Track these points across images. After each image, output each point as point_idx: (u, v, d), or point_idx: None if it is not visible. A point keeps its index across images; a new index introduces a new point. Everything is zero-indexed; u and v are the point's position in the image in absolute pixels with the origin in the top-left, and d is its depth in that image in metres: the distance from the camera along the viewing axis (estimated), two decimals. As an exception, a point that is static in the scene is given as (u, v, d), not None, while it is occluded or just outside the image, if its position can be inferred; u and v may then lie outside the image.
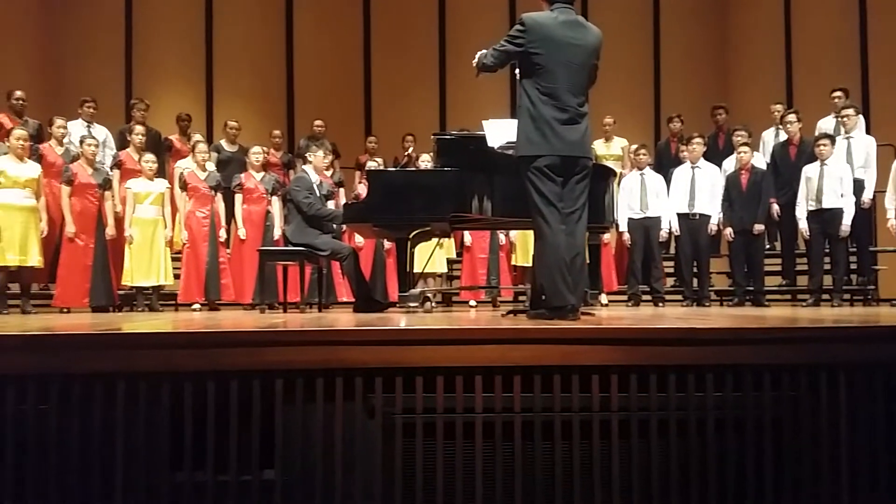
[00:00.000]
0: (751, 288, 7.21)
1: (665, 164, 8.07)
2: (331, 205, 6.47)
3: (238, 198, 7.05)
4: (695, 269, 7.38)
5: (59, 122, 7.03)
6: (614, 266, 7.65)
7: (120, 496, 2.69)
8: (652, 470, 2.74)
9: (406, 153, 8.48)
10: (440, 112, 10.75)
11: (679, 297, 7.53)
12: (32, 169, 6.23)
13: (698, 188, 7.27)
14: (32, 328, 3.25)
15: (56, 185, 6.55)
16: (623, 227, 7.42)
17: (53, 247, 6.52)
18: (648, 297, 7.44)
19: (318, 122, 8.75)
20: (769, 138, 8.00)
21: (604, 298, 7.40)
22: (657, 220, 7.35)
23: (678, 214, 7.31)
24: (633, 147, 7.79)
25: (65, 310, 6.43)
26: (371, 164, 7.39)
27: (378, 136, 9.13)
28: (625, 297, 7.52)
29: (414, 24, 10.71)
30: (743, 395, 2.76)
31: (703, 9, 10.77)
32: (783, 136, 7.57)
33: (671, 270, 7.89)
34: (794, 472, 2.77)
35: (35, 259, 6.14)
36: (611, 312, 5.38)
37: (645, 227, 7.35)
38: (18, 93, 7.34)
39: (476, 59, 3.80)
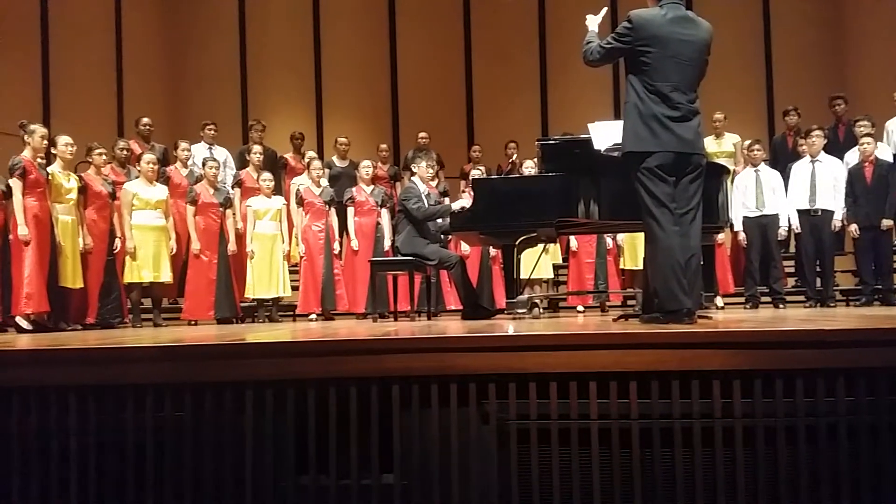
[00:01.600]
0: (879, 286, 6.80)
1: (781, 159, 7.74)
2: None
3: (350, 211, 7.28)
4: (818, 268, 7.03)
5: (183, 145, 7.49)
6: (730, 267, 7.38)
7: (250, 498, 2.82)
8: (779, 478, 2.63)
9: (510, 160, 8.52)
10: (542, 118, 10.72)
11: (801, 298, 7.18)
12: (161, 191, 6.66)
13: (819, 183, 6.93)
14: (165, 340, 3.48)
15: (182, 205, 6.95)
16: (738, 226, 7.15)
17: (181, 263, 6.93)
18: (767, 299, 7.13)
19: (422, 134, 8.92)
20: (894, 128, 7.51)
21: (719, 301, 7.14)
22: (775, 217, 7.05)
23: (798, 211, 6.99)
24: (747, 143, 7.50)
25: (192, 322, 6.82)
26: (475, 173, 7.45)
27: (481, 145, 9.21)
28: (742, 300, 7.23)
29: (514, 32, 10.74)
30: (877, 400, 2.61)
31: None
32: (910, 125, 7.09)
33: (791, 270, 7.53)
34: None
35: (166, 275, 6.55)
36: (728, 315, 5.19)
37: (762, 226, 7.06)
38: (145, 119, 7.89)
39: (584, 48, 3.76)
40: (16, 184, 5.59)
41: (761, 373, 2.64)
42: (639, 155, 3.52)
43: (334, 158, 8.39)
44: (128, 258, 6.40)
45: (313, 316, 7.10)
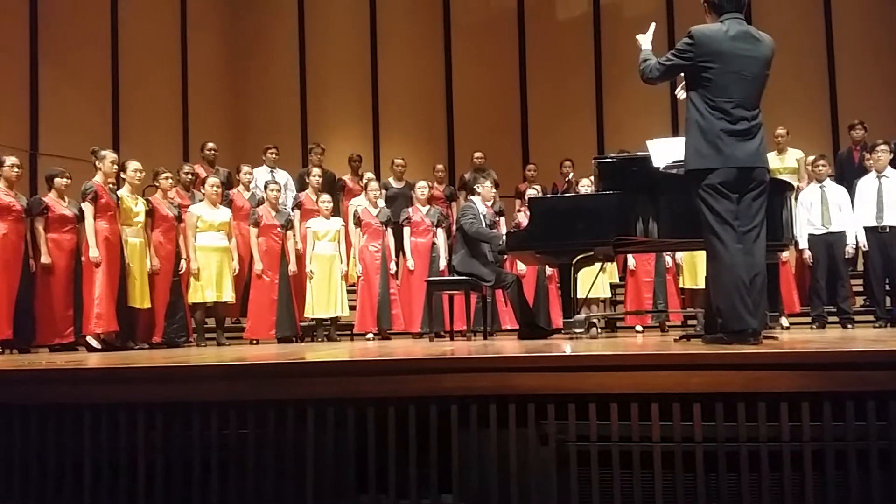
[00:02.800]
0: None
1: (847, 174, 7.52)
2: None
3: (406, 231, 7.34)
4: (887, 287, 6.78)
5: (245, 168, 7.70)
6: (795, 286, 7.18)
7: (311, 516, 2.85)
8: (852, 505, 2.54)
9: (566, 179, 8.48)
10: (598, 136, 10.66)
11: (870, 317, 6.93)
12: (224, 213, 6.84)
13: (887, 199, 6.71)
14: (229, 359, 3.56)
15: (245, 226, 7.13)
16: (803, 244, 6.96)
17: (244, 284, 7.09)
18: (835, 319, 6.91)
19: (477, 154, 8.96)
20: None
21: (784, 321, 6.95)
22: (841, 234, 6.85)
23: (866, 228, 6.77)
24: (811, 158, 7.32)
25: (254, 341, 6.95)
26: (531, 192, 7.45)
27: (536, 164, 9.21)
28: (808, 320, 7.02)
29: (569, 51, 10.76)
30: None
31: (879, 1, 9.93)
32: (985, 137, 6.81)
33: (860, 289, 7.27)
34: None
35: (228, 295, 6.71)
36: (794, 336, 5.05)
37: (828, 243, 6.86)
38: (210, 144, 8.14)
39: (640, 66, 3.73)
40: (88, 208, 5.81)
41: (830, 395, 2.56)
42: (701, 172, 3.47)
43: (391, 179, 8.49)
44: (192, 279, 6.58)
45: (370, 335, 7.16)
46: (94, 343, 5.77)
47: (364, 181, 7.87)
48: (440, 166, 8.97)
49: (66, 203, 6.12)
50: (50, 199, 6.08)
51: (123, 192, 6.19)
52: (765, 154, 3.57)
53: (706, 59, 3.47)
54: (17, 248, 5.87)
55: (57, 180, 6.11)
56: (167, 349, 6.10)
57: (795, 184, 7.08)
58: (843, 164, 7.89)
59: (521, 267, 7.14)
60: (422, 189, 7.44)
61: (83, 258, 5.87)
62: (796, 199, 6.87)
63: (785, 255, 6.82)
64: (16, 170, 5.98)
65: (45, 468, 2.97)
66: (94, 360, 4.02)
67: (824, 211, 6.90)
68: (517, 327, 6.31)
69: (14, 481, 2.97)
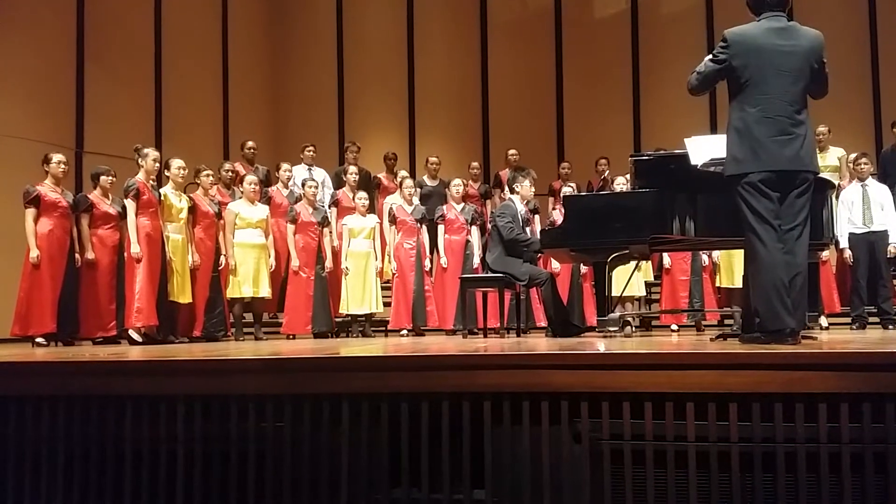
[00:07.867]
0: None
1: (890, 173, 7.36)
2: (527, 232, 6.56)
3: (440, 228, 7.38)
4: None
5: (285, 166, 7.79)
6: (835, 286, 7.05)
7: (346, 508, 2.89)
8: (892, 509, 2.50)
9: (601, 177, 8.43)
10: (634, 134, 10.56)
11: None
12: (262, 210, 6.93)
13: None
14: (266, 353, 3.61)
15: (283, 223, 7.22)
16: (844, 243, 6.83)
17: (281, 279, 7.18)
18: (875, 320, 6.77)
19: (511, 152, 8.95)
20: None
21: (824, 321, 6.83)
22: (883, 234, 6.71)
23: (909, 227, 6.61)
24: (853, 156, 7.17)
25: (290, 336, 7.04)
26: (566, 190, 7.42)
27: (571, 162, 9.17)
28: (847, 320, 6.89)
29: (607, 49, 10.66)
30: None
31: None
32: None
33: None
34: None
35: (265, 291, 6.81)
36: (834, 336, 4.96)
37: (869, 243, 6.73)
38: (250, 143, 8.26)
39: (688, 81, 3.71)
40: (130, 204, 5.93)
41: (871, 396, 2.52)
42: (739, 175, 3.44)
43: (425, 177, 8.52)
44: (230, 274, 6.68)
45: (404, 332, 7.20)
46: (136, 337, 5.88)
47: (398, 179, 7.92)
48: (475, 164, 8.97)
49: (109, 200, 6.25)
50: (94, 196, 6.22)
51: (167, 189, 6.28)
52: (808, 156, 3.48)
53: (742, 58, 3.43)
54: (63, 243, 6.02)
55: (102, 178, 6.24)
56: (206, 343, 6.21)
57: (836, 182, 6.96)
58: (886, 162, 7.72)
59: (555, 265, 7.12)
60: (457, 187, 7.46)
61: (125, 254, 5.99)
62: (837, 197, 6.75)
63: (825, 254, 6.70)
64: (62, 167, 6.13)
65: (88, 457, 3.05)
66: (135, 354, 4.11)
67: (866, 210, 6.76)
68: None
69: (57, 470, 3.07)
